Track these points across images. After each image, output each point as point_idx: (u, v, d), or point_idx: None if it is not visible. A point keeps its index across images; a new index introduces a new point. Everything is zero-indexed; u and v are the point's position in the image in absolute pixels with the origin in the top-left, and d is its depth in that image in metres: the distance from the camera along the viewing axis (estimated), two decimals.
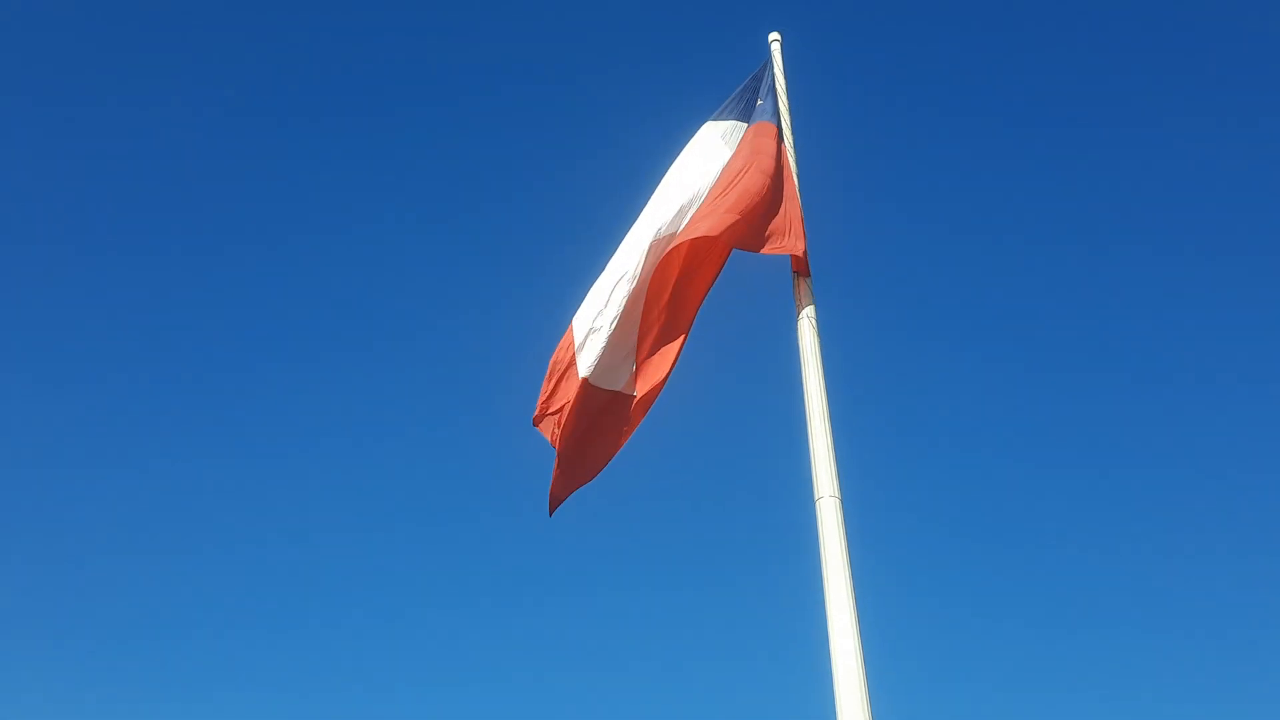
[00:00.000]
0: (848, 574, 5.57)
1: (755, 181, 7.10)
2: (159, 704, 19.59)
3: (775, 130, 7.55)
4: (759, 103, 7.77)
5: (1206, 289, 22.85)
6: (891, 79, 24.68)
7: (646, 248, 6.97)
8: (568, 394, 6.98)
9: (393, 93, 25.89)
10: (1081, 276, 23.58)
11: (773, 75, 7.88)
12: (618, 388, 7.08)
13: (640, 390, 6.98)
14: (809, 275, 6.92)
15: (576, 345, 7.01)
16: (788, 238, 6.98)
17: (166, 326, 24.64)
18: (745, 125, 7.68)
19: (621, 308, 6.94)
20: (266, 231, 25.25)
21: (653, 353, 7.07)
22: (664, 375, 6.96)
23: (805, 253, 6.94)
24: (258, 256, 25.55)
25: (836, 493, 5.91)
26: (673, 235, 7.02)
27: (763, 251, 6.97)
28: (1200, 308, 22.75)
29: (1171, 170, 23.40)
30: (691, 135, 7.76)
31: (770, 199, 7.06)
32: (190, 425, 23.77)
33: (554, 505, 7.10)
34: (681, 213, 7.13)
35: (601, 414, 7.07)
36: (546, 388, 7.11)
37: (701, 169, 7.40)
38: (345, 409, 24.27)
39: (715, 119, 7.78)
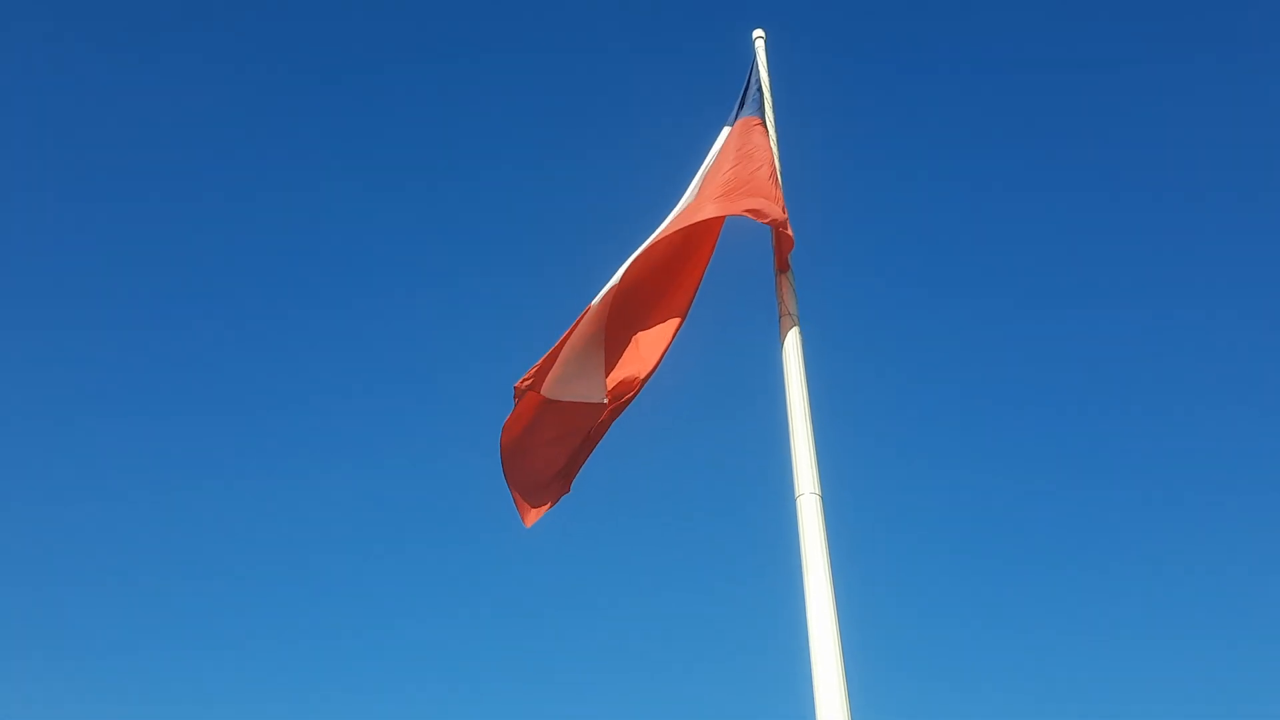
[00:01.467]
0: (828, 571, 5.55)
1: (743, 169, 7.10)
2: (157, 707, 19.52)
3: (761, 124, 7.57)
4: (748, 100, 7.83)
5: (1195, 287, 23.02)
6: (878, 75, 24.75)
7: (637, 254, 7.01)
8: (523, 409, 7.02)
9: (384, 92, 25.85)
10: (1068, 273, 23.71)
11: (757, 72, 7.93)
12: (580, 399, 7.05)
13: (613, 384, 6.91)
14: (791, 272, 6.92)
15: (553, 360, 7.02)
16: (775, 212, 6.92)
17: (172, 329, 24.59)
18: (732, 126, 7.75)
19: (581, 319, 6.96)
20: (261, 232, 25.21)
21: (627, 354, 7.00)
22: (652, 366, 6.90)
23: (789, 229, 6.85)
24: (251, 258, 25.49)
25: (817, 489, 5.89)
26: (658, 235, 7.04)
27: (750, 217, 6.84)
28: (1190, 306, 22.91)
29: (1165, 168, 23.54)
30: (698, 136, 7.88)
31: (758, 182, 7.03)
32: (188, 427, 23.72)
33: (530, 516, 7.10)
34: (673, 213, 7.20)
35: (562, 427, 7.05)
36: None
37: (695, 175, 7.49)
38: (341, 415, 24.29)
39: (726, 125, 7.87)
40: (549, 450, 7.08)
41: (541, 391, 6.94)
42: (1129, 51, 23.55)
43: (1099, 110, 23.71)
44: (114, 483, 23.13)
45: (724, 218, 7.07)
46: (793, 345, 6.54)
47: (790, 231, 6.90)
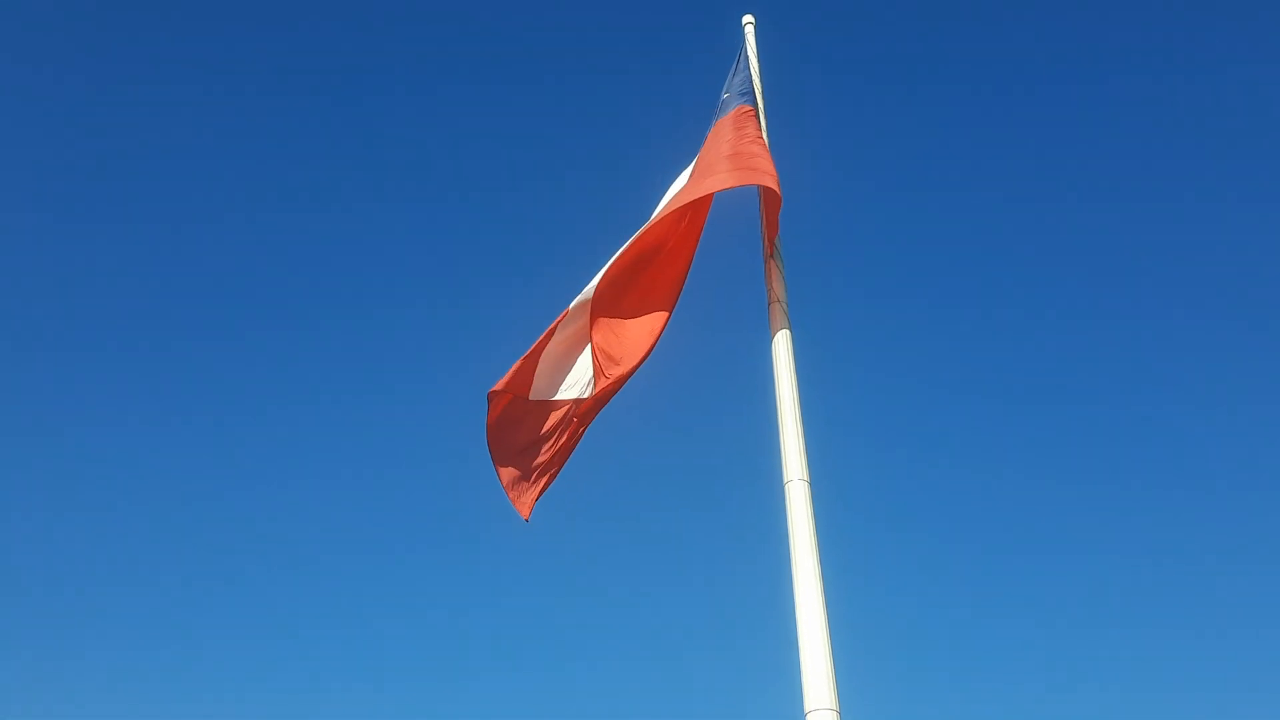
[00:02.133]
0: (816, 557, 5.58)
1: (739, 146, 7.10)
2: (157, 707, 19.49)
3: (752, 111, 7.55)
4: (737, 90, 7.81)
5: (1186, 286, 23.10)
6: (869, 62, 24.74)
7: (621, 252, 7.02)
8: (504, 411, 7.08)
9: (377, 89, 25.73)
10: (1057, 268, 23.77)
11: (747, 58, 7.91)
12: (569, 397, 7.08)
13: (601, 377, 6.91)
14: (780, 258, 6.92)
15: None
16: (777, 186, 6.82)
17: (172, 335, 24.48)
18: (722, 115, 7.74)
19: (561, 320, 7.00)
20: (258, 240, 25.12)
21: (615, 346, 7.00)
22: (641, 357, 6.90)
23: (779, 199, 6.81)
24: (250, 265, 25.40)
25: (806, 476, 5.92)
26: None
27: (758, 184, 6.83)
28: (1179, 304, 23.00)
29: (1155, 171, 23.57)
30: (686, 124, 7.88)
31: (756, 157, 7.01)
32: (186, 430, 23.64)
33: (526, 509, 7.13)
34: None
35: (550, 424, 7.10)
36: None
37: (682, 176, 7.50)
38: (340, 415, 24.26)
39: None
40: (539, 447, 7.12)
41: (530, 396, 7.01)
42: (1126, 52, 23.58)
43: (1095, 106, 23.76)
44: (114, 487, 23.10)
45: (710, 199, 7.08)
46: (781, 331, 6.54)
47: (777, 183, 6.87)
